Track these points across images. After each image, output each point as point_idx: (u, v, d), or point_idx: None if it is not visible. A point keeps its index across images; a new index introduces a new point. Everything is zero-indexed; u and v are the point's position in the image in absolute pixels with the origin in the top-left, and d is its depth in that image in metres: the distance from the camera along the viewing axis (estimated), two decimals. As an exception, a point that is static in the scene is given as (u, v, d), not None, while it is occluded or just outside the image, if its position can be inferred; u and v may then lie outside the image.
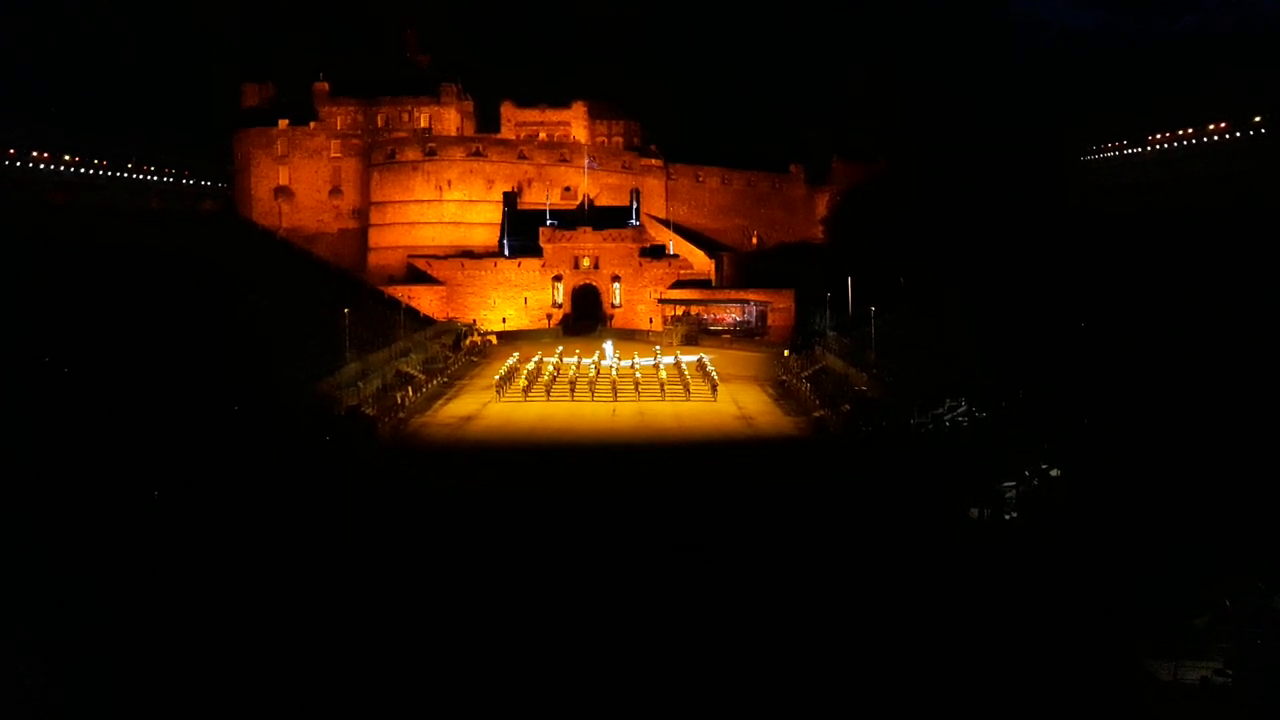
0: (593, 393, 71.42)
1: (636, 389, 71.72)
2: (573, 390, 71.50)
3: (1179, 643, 25.36)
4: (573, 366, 78.79)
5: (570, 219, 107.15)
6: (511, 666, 27.37)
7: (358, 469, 48.91)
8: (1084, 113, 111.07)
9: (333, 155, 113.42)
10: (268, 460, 44.03)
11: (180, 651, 27.13)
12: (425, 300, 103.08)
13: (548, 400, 69.65)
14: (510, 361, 79.89)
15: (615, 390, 70.91)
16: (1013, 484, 39.06)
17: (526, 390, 72.03)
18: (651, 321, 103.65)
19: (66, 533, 30.88)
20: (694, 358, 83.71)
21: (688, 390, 72.01)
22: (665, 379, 73.62)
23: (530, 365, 77.54)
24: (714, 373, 74.86)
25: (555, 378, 74.25)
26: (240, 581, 32.11)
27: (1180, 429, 37.55)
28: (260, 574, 33.10)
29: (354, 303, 75.57)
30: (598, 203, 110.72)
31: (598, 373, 77.14)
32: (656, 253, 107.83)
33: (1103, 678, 25.58)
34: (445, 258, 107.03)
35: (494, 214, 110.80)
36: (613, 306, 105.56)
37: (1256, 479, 32.03)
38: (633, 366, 77.19)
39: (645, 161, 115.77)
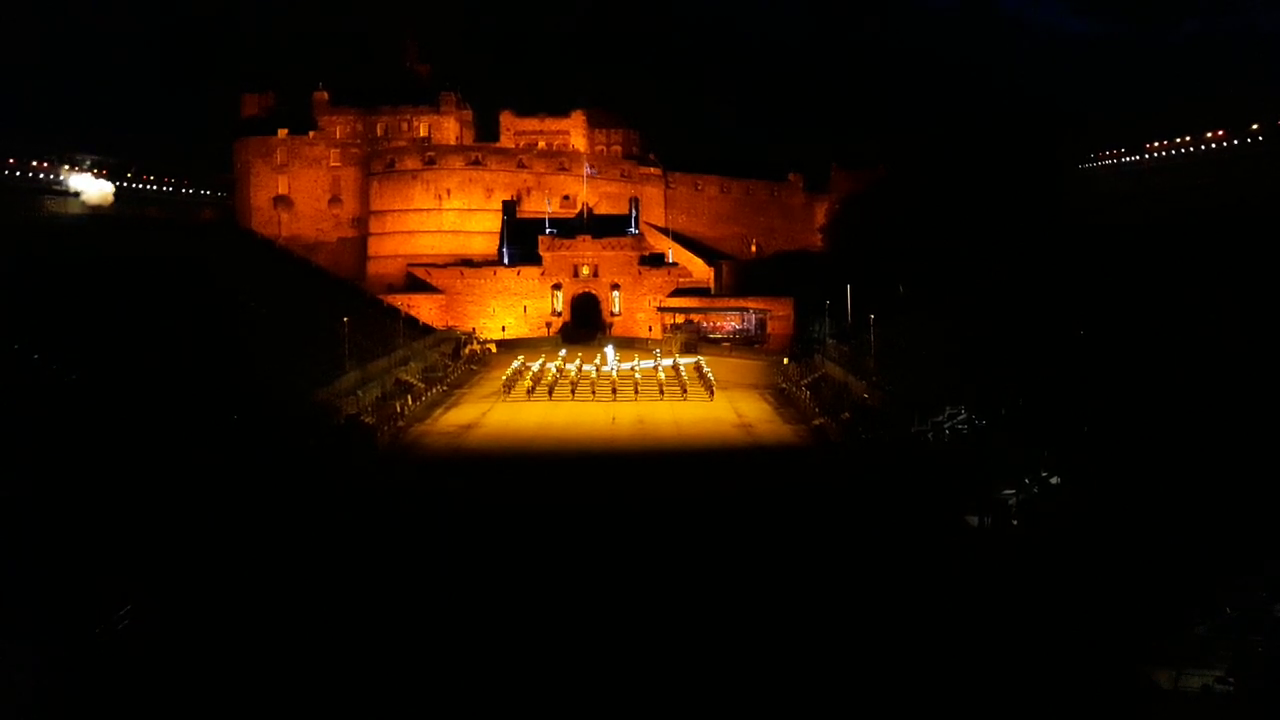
0: (593, 392, 74.37)
1: (636, 390, 74.42)
2: (574, 391, 74.47)
3: (1180, 650, 25.31)
4: (574, 370, 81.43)
5: (569, 227, 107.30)
6: (506, 677, 27.33)
7: (354, 478, 48.81)
8: (1083, 119, 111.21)
9: (332, 164, 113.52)
10: (266, 469, 43.95)
11: (177, 656, 27.12)
12: (425, 309, 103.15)
13: (550, 400, 72.29)
14: (515, 365, 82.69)
15: (615, 390, 73.23)
16: (1013, 492, 39.03)
17: (530, 391, 74.69)
18: (651, 329, 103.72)
19: (66, 537, 30.81)
20: (692, 360, 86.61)
21: (684, 391, 74.47)
22: (664, 380, 76.44)
23: (534, 367, 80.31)
24: (710, 375, 77.27)
25: (557, 380, 77.17)
26: (235, 588, 32.11)
27: (1180, 436, 37.51)
28: (254, 582, 33.10)
29: (353, 311, 75.60)
30: (597, 211, 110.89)
31: (598, 374, 79.67)
32: (655, 261, 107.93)
33: (1104, 685, 25.51)
34: (444, 266, 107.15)
35: (493, 222, 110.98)
36: (612, 315, 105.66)
37: (1257, 485, 31.99)
38: (633, 369, 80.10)
39: (644, 170, 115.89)
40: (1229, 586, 27.14)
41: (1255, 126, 78.51)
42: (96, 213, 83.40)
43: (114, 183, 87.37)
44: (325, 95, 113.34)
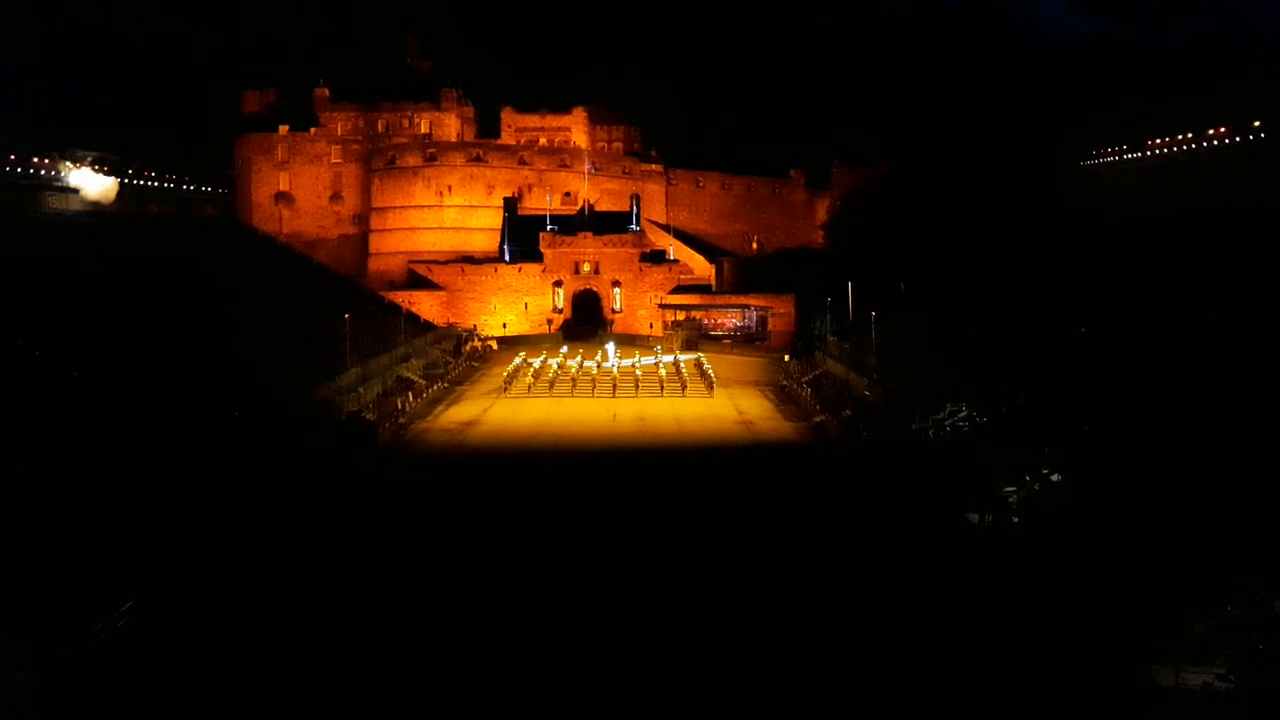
0: (594, 389, 74.31)
1: (636, 387, 74.52)
2: (574, 388, 74.88)
3: (1181, 648, 25.31)
4: (575, 367, 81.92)
5: (571, 224, 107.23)
6: (505, 675, 27.34)
7: (355, 475, 48.80)
8: (1084, 117, 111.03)
9: (333, 161, 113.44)
10: (266, 466, 43.96)
11: (177, 655, 27.15)
12: (426, 306, 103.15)
13: (550, 395, 72.63)
14: (516, 361, 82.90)
15: (615, 387, 73.44)
16: (1013, 489, 39.04)
17: (531, 388, 75.05)
18: (652, 326, 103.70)
19: (66, 537, 30.83)
20: (693, 357, 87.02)
21: (685, 388, 74.62)
22: (665, 376, 76.62)
23: (536, 364, 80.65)
24: (711, 372, 77.52)
25: (558, 377, 77.65)
26: (235, 587, 32.13)
27: (1181, 434, 37.49)
28: (255, 580, 33.12)
29: (354, 308, 75.70)
30: (598, 208, 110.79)
31: (599, 371, 79.91)
32: (657, 258, 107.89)
33: (1105, 683, 25.52)
34: (446, 263, 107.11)
35: (494, 219, 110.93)
36: (613, 312, 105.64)
37: (1257, 483, 31.97)
38: (633, 365, 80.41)
39: (645, 167, 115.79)
40: (1229, 585, 27.12)
41: (1257, 124, 78.33)
42: (97, 209, 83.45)
43: (115, 178, 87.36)
44: (326, 92, 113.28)
